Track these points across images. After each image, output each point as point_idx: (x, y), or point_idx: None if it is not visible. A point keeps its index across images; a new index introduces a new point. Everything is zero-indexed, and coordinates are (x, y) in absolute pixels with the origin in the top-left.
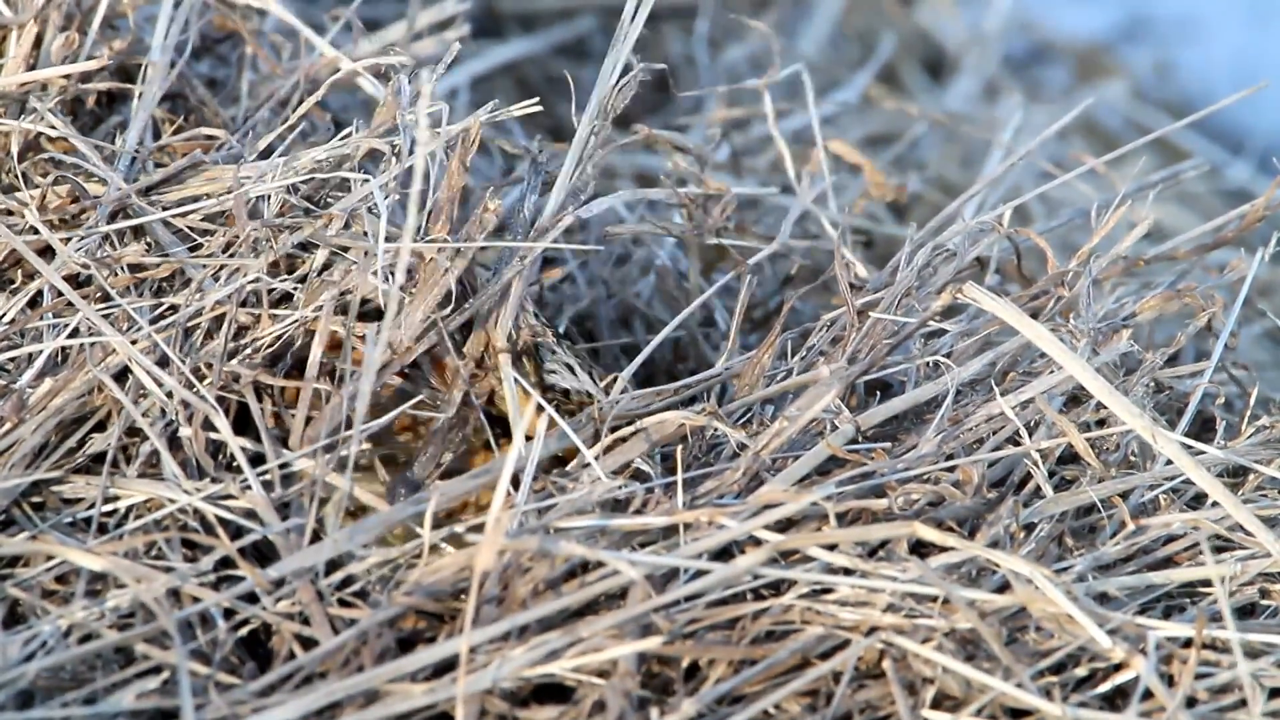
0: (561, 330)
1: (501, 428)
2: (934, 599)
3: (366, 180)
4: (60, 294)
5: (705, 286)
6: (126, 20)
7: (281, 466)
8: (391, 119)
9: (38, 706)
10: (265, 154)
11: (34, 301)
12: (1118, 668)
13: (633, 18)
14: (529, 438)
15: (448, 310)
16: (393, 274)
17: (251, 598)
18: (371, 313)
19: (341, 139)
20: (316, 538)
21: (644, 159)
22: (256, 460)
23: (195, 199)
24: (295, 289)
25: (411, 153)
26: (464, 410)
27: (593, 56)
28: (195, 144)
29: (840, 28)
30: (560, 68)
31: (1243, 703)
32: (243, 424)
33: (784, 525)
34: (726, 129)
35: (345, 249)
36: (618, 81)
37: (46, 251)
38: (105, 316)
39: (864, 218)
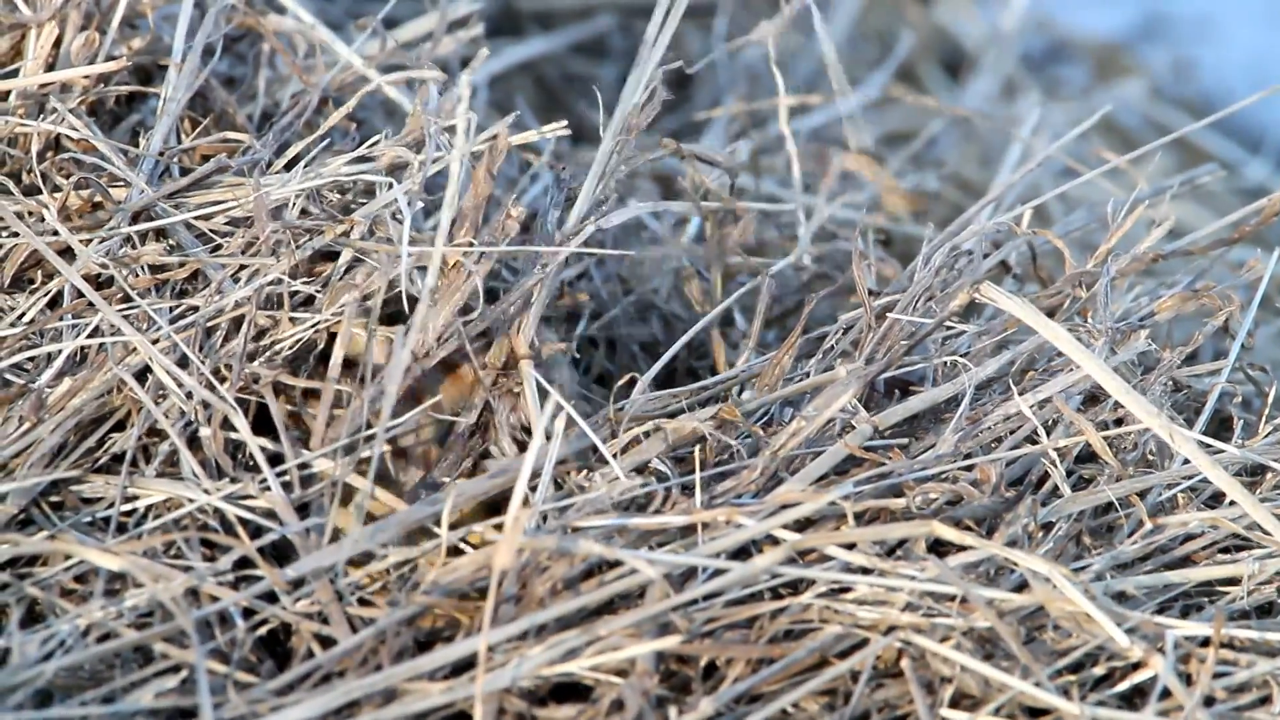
0: (580, 328)
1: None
2: (952, 598)
3: (391, 185)
4: (80, 294)
5: (725, 290)
6: (146, 20)
7: (301, 467)
8: (419, 130)
9: (56, 705)
10: (291, 164)
11: (54, 302)
12: (1136, 667)
13: (658, 33)
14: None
15: (472, 316)
16: (420, 278)
17: (270, 597)
18: (394, 318)
19: (369, 147)
20: (336, 537)
21: (667, 159)
22: (276, 461)
23: (218, 204)
24: (318, 293)
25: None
26: (485, 416)
27: (611, 55)
28: (218, 147)
29: (858, 27)
30: (579, 66)
31: (1261, 701)
32: (263, 425)
33: (802, 524)
34: (744, 127)
35: (370, 253)
36: (641, 98)
37: (66, 252)
38: (125, 317)
39: (882, 217)
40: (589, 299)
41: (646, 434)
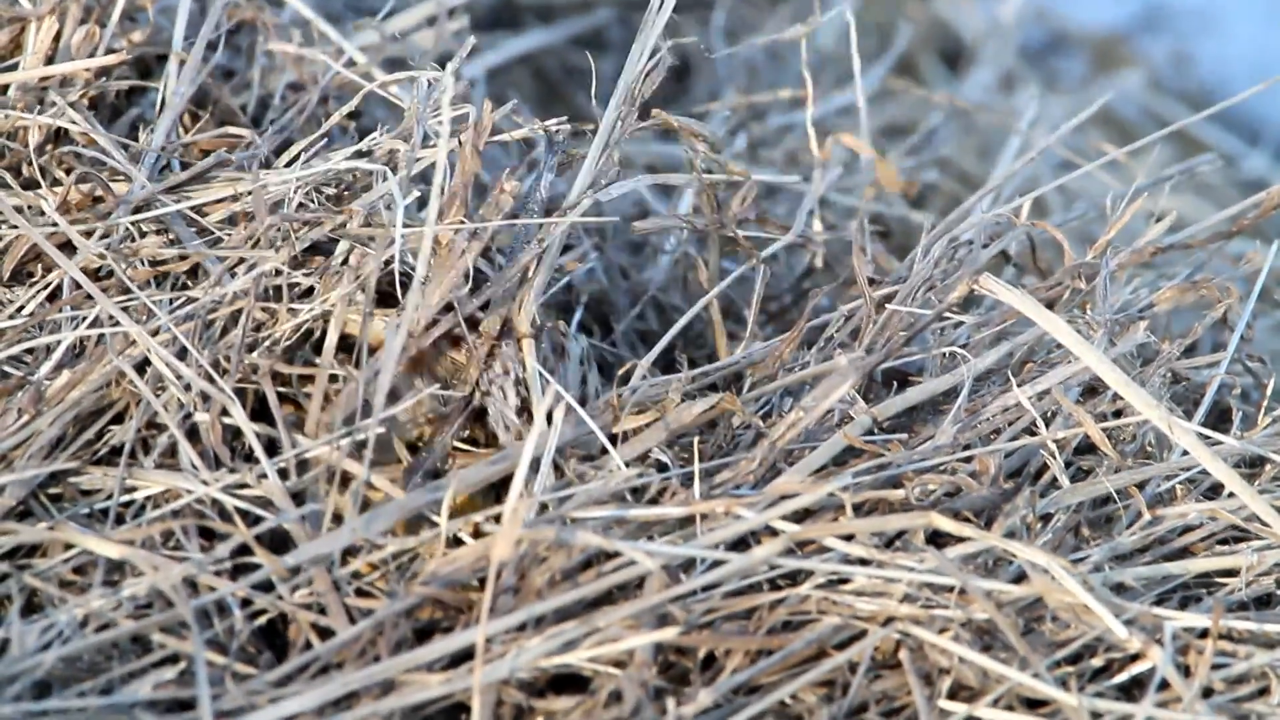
0: (578, 316)
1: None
2: (950, 589)
3: (386, 173)
4: (79, 286)
5: (721, 273)
6: (145, 13)
7: (298, 455)
8: (414, 124)
9: (55, 696)
10: (291, 161)
11: (53, 295)
12: (1134, 658)
13: (660, 3)
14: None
15: (464, 292)
16: (413, 259)
17: (268, 587)
18: (389, 302)
19: (369, 142)
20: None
21: (658, 147)
22: (274, 449)
23: (217, 199)
24: (316, 285)
25: (427, 145)
26: (477, 393)
27: (610, 48)
28: (219, 142)
29: (857, 19)
30: (578, 59)
31: (1260, 693)
32: (262, 417)
33: (801, 516)
34: (743, 119)
35: (365, 241)
36: (645, 67)
37: (66, 245)
38: (124, 310)
39: (881, 207)
40: (585, 272)
41: (649, 422)
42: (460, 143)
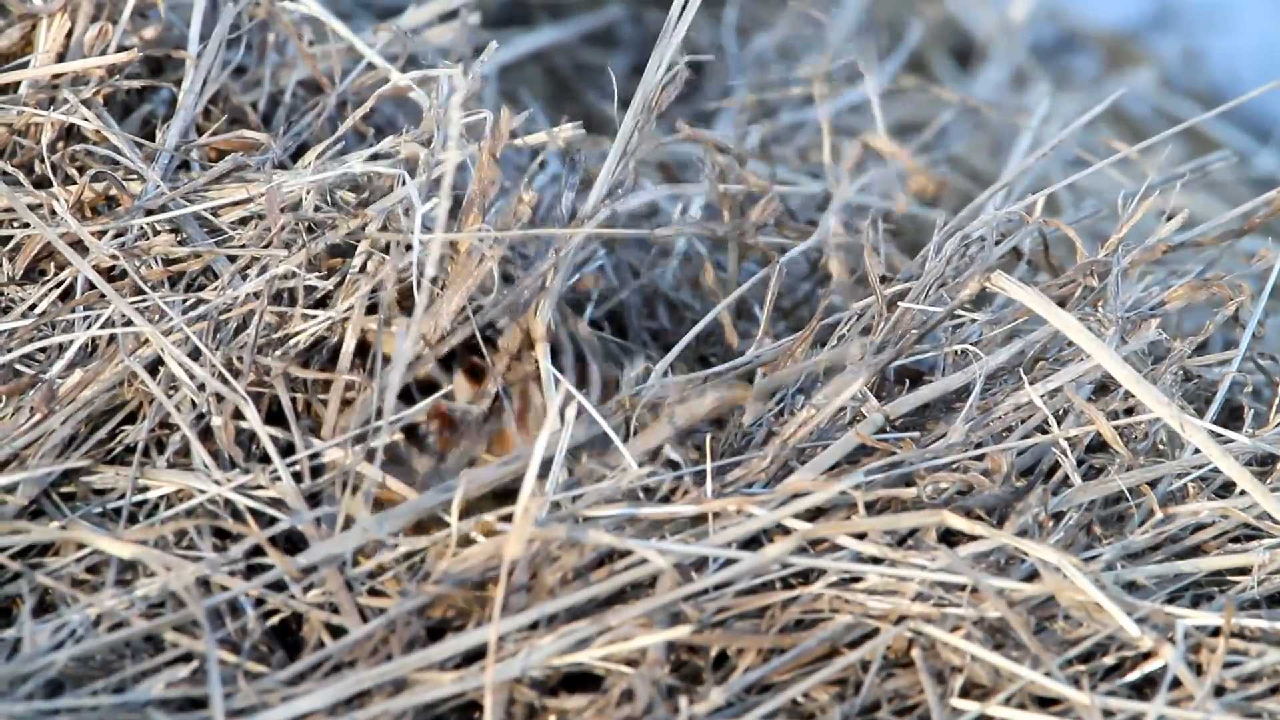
0: (588, 314)
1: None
2: (963, 588)
3: (401, 176)
4: (92, 286)
5: (740, 276)
6: (156, 10)
7: (311, 457)
8: (433, 127)
9: (67, 695)
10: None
11: (66, 293)
12: (1146, 656)
13: (681, 11)
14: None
15: (486, 299)
16: (424, 265)
17: (281, 587)
18: (409, 308)
19: (390, 143)
20: (348, 527)
21: (670, 146)
22: (287, 451)
23: (232, 200)
24: (334, 290)
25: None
26: (497, 403)
27: (622, 44)
28: (234, 144)
29: (869, 16)
30: (589, 56)
31: (1272, 691)
32: (276, 418)
33: (813, 514)
34: (755, 117)
35: (380, 249)
36: (661, 79)
37: (78, 244)
38: (137, 309)
39: (892, 204)
40: (597, 281)
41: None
42: (479, 148)
